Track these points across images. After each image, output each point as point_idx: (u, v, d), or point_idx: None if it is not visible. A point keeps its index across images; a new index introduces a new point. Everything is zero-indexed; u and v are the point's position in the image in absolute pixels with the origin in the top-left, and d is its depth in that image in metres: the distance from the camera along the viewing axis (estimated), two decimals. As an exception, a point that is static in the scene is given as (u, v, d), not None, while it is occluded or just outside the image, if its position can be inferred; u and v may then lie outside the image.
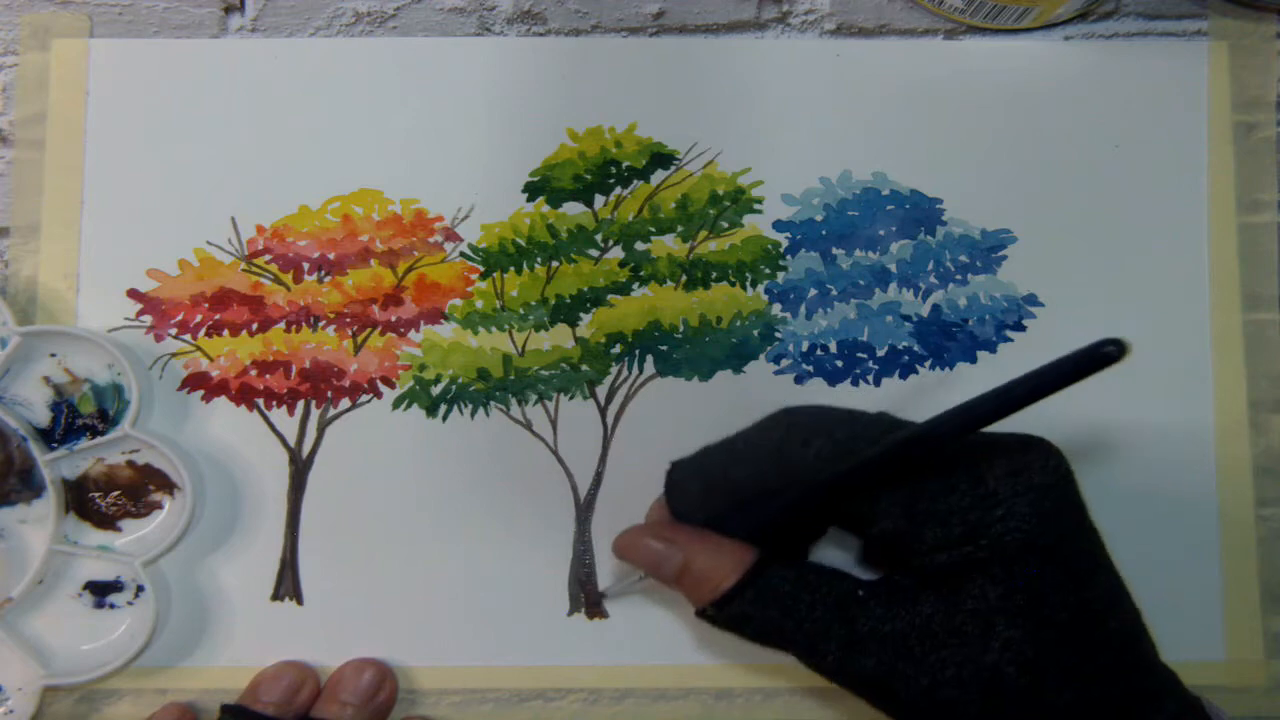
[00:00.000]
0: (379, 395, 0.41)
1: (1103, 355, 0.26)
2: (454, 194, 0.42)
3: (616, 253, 0.42)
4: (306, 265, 0.42)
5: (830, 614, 0.30)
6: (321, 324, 0.41)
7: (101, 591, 0.40)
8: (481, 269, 0.42)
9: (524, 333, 0.41)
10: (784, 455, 0.31)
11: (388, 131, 0.42)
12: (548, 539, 0.40)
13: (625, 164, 0.42)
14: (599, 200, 0.42)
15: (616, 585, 0.39)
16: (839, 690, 0.40)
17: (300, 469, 0.41)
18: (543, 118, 0.42)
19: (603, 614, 0.40)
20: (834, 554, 0.38)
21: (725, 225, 0.42)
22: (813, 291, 0.41)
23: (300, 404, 0.41)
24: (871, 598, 0.30)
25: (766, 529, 0.32)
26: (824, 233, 0.42)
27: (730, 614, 0.32)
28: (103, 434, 0.39)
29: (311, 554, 0.40)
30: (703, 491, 0.33)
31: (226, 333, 0.41)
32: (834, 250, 0.42)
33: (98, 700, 0.40)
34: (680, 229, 0.42)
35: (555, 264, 0.42)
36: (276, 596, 0.40)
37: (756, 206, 0.42)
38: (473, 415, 0.41)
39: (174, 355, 0.41)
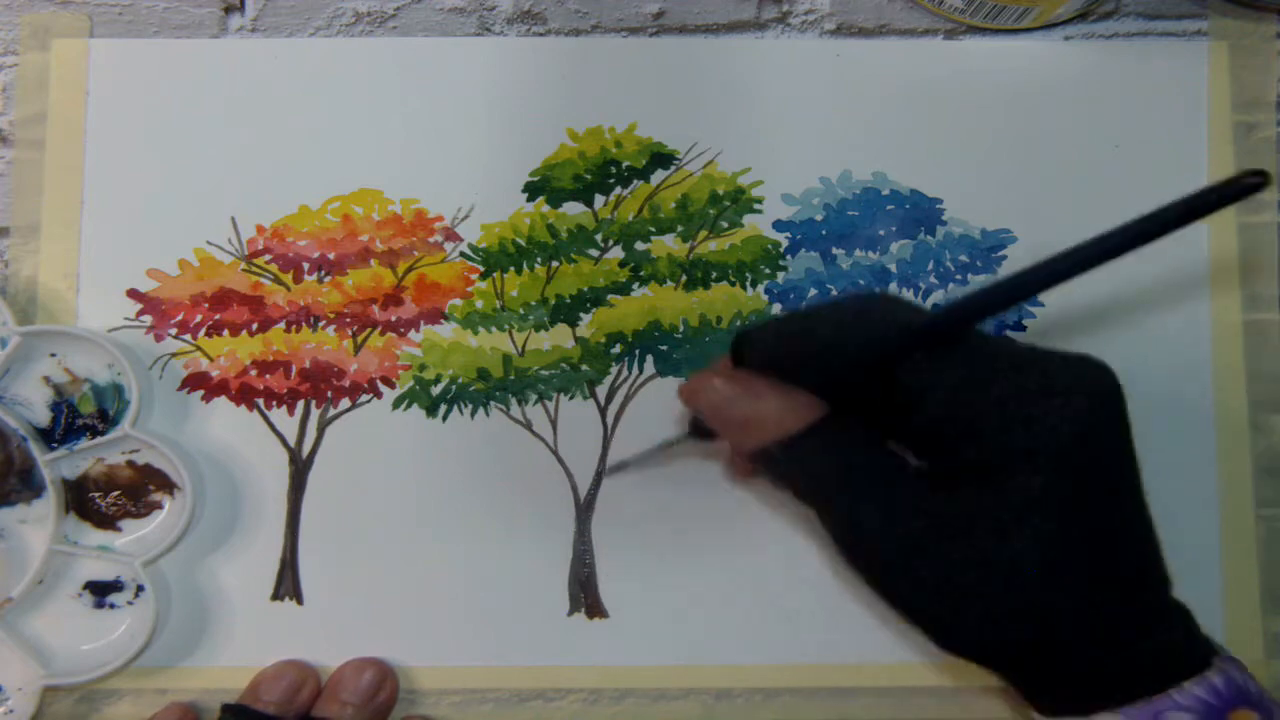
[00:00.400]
0: (379, 395, 0.41)
1: (1248, 185, 0.25)
2: (454, 194, 0.42)
3: (616, 253, 0.42)
4: (306, 265, 0.42)
5: (878, 480, 0.30)
6: (321, 324, 0.41)
7: (101, 591, 0.40)
8: (481, 269, 0.42)
9: (524, 333, 0.41)
10: (867, 320, 0.31)
11: (388, 131, 0.42)
12: (548, 539, 0.40)
13: (625, 164, 0.42)
14: (599, 200, 0.42)
15: (638, 456, 0.39)
16: (839, 691, 0.40)
17: (300, 469, 0.41)
18: (543, 118, 0.42)
19: (603, 614, 0.40)
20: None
21: (725, 225, 0.42)
22: (813, 291, 0.41)
23: (300, 404, 0.41)
24: (918, 474, 0.30)
25: (833, 390, 0.32)
26: (824, 233, 0.42)
27: (792, 457, 0.31)
28: (103, 434, 0.39)
29: (311, 554, 0.40)
30: (772, 351, 0.32)
31: (226, 333, 0.41)
32: (834, 250, 0.42)
33: (98, 700, 0.40)
34: (680, 229, 0.42)
35: (555, 264, 0.42)
36: (276, 596, 0.40)
37: (756, 206, 0.42)
38: (473, 415, 0.41)
39: (174, 355, 0.41)
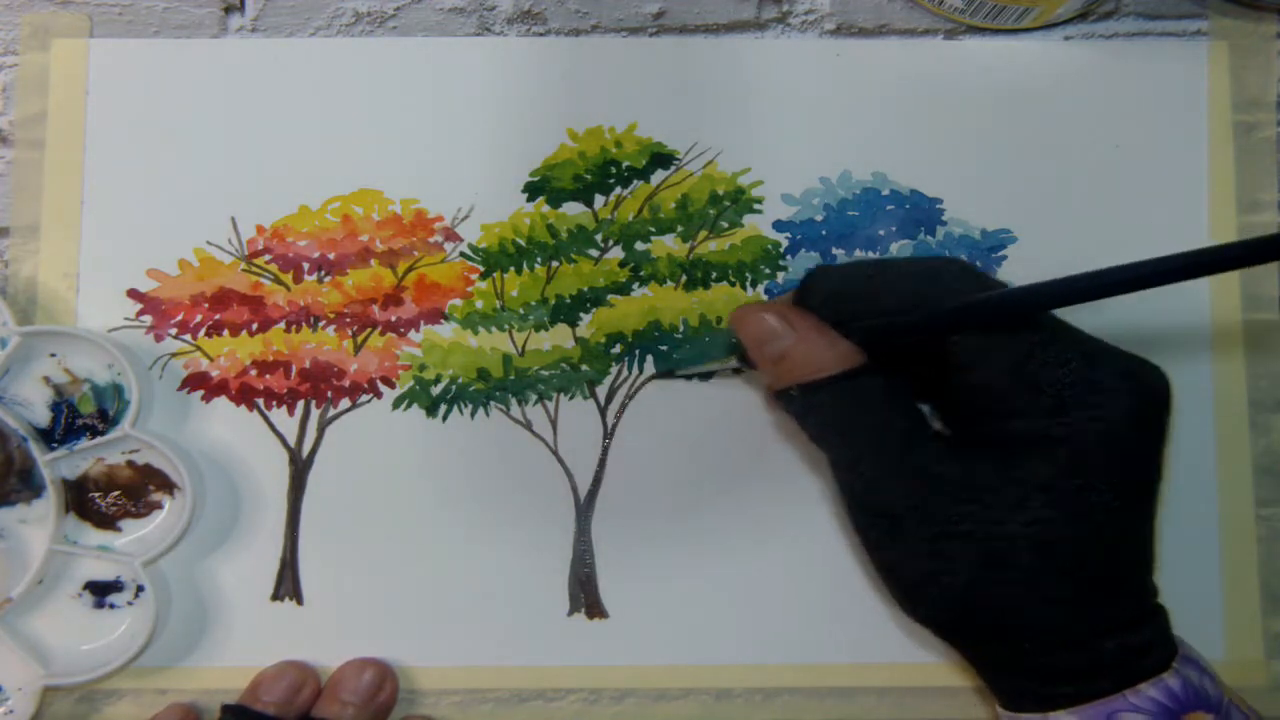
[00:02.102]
0: (379, 395, 0.41)
1: None
2: (454, 194, 0.42)
3: (616, 253, 0.42)
4: (306, 265, 0.42)
5: (894, 436, 0.31)
6: (321, 324, 0.41)
7: (101, 591, 0.40)
8: (481, 269, 0.42)
9: (524, 333, 0.41)
10: (938, 281, 0.31)
11: (388, 131, 0.42)
12: (548, 539, 0.40)
13: (625, 164, 0.42)
14: (599, 200, 0.42)
15: (685, 370, 0.40)
16: (839, 691, 0.40)
17: (300, 469, 0.41)
18: (543, 118, 0.42)
19: (603, 614, 0.40)
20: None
21: (725, 225, 0.42)
22: (813, 291, 0.41)
23: (300, 404, 0.41)
24: (936, 440, 0.31)
25: (882, 344, 0.32)
26: (824, 233, 0.42)
27: (810, 401, 0.32)
28: (103, 434, 0.39)
29: (311, 554, 0.40)
30: (836, 295, 0.33)
31: (226, 333, 0.41)
32: (834, 250, 0.42)
33: (98, 700, 0.40)
34: (680, 229, 0.42)
35: (555, 264, 0.42)
36: (276, 596, 0.40)
37: (756, 206, 0.42)
38: (473, 415, 0.41)
39: (174, 355, 0.41)
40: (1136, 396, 0.29)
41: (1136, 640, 0.29)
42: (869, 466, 0.31)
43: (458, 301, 0.41)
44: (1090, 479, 0.28)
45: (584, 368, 0.41)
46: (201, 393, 0.41)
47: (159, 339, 0.41)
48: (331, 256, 0.42)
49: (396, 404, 0.41)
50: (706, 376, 0.41)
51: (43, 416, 0.40)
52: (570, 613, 0.40)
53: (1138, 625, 0.30)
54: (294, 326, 0.41)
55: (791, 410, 0.33)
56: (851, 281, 0.33)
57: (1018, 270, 0.41)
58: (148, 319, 0.41)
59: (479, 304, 0.41)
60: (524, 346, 0.41)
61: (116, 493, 0.40)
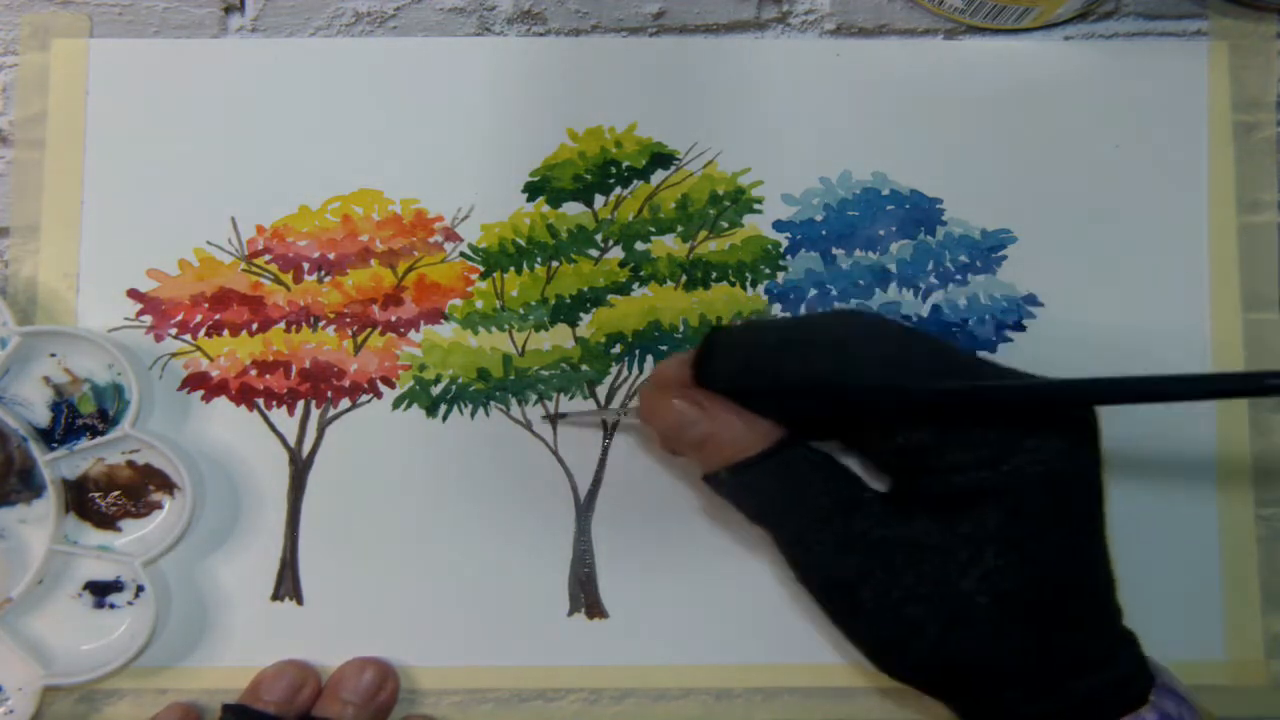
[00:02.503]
0: (379, 395, 0.41)
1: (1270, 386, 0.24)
2: (454, 194, 0.42)
3: (616, 253, 0.42)
4: (306, 265, 0.42)
5: (832, 507, 0.30)
6: (321, 324, 0.41)
7: (101, 591, 0.40)
8: (481, 269, 0.42)
9: (524, 333, 0.41)
10: (846, 352, 0.30)
11: (388, 131, 0.42)
12: (548, 539, 0.40)
13: (625, 164, 0.42)
14: (599, 200, 0.42)
15: (579, 415, 0.40)
16: (840, 690, 0.40)
17: (300, 469, 0.41)
18: (543, 118, 0.42)
19: (603, 614, 0.40)
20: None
21: (725, 225, 0.42)
22: (813, 292, 0.41)
23: (300, 404, 0.41)
24: (875, 502, 0.30)
25: (799, 419, 0.32)
26: (824, 233, 0.42)
27: (741, 481, 0.32)
28: (103, 434, 0.39)
29: (311, 554, 0.40)
30: (742, 364, 0.32)
31: (226, 333, 0.41)
32: (834, 250, 0.42)
33: (98, 700, 0.40)
34: (680, 229, 0.42)
35: (555, 264, 0.42)
36: (276, 596, 0.40)
37: (756, 206, 0.42)
38: (473, 415, 0.41)
39: (174, 355, 0.41)
40: (1069, 432, 0.29)
41: (1110, 677, 0.29)
42: (813, 540, 0.31)
43: (458, 301, 0.41)
44: (1038, 524, 0.28)
45: (584, 368, 0.41)
46: (201, 393, 0.41)
47: (159, 339, 0.41)
48: (331, 256, 0.42)
49: (396, 404, 0.41)
50: (608, 421, 0.40)
51: (43, 416, 0.40)
52: (570, 613, 0.40)
53: (1110, 660, 0.29)
54: (294, 326, 0.41)
55: (723, 493, 0.33)
56: (754, 347, 0.32)
57: (1018, 270, 0.41)
58: (148, 319, 0.41)
59: (479, 304, 0.41)
60: (524, 346, 0.41)
61: (116, 493, 0.40)
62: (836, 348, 0.30)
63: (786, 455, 0.31)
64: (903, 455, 0.30)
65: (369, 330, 0.41)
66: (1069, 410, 0.29)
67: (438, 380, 0.41)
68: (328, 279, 0.41)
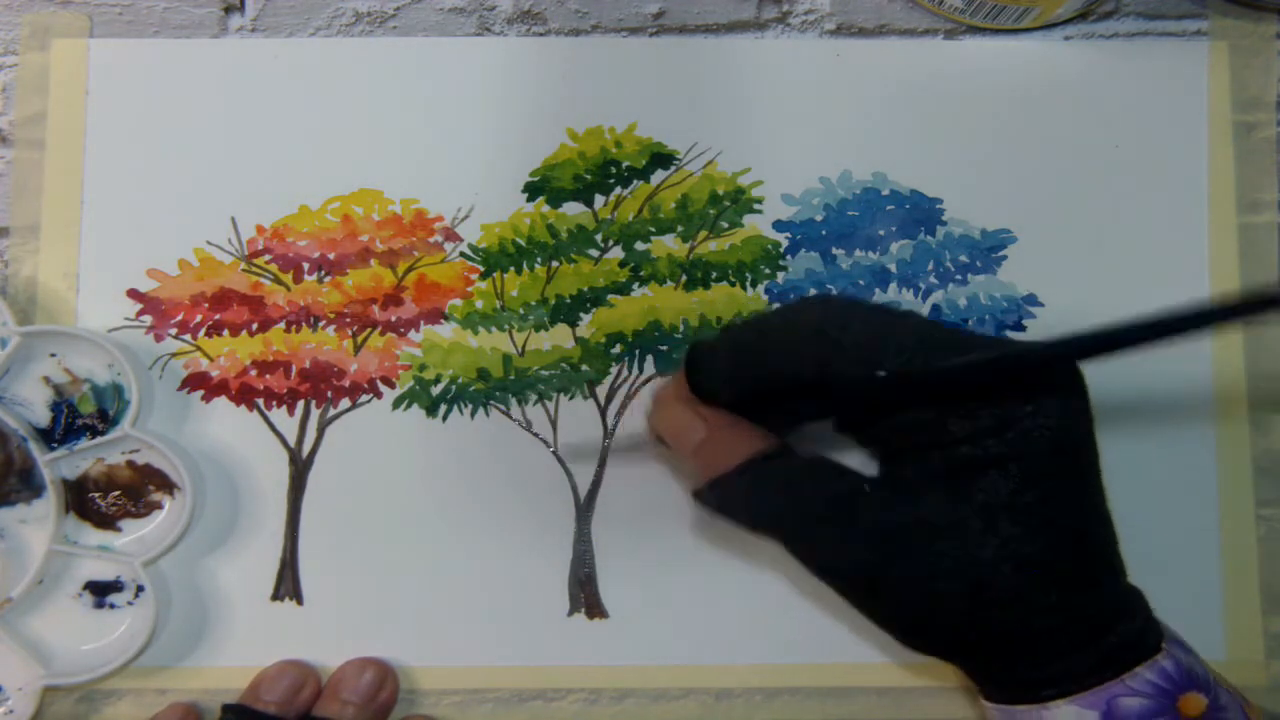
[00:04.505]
0: (379, 395, 0.41)
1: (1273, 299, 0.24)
2: (454, 194, 0.42)
3: (616, 253, 0.42)
4: (306, 265, 0.42)
5: (831, 505, 0.30)
6: (321, 324, 0.41)
7: (101, 591, 0.40)
8: (481, 269, 0.42)
9: (524, 333, 0.41)
10: (821, 338, 0.30)
11: (388, 131, 0.42)
12: (548, 539, 0.40)
13: (625, 164, 0.42)
14: (599, 200, 0.42)
15: (624, 440, 0.40)
16: (840, 690, 0.40)
17: (300, 469, 0.41)
18: (543, 118, 0.42)
19: (603, 614, 0.40)
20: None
21: (725, 225, 0.42)
22: (813, 291, 0.41)
23: (300, 404, 0.41)
24: (876, 490, 0.30)
25: (797, 416, 0.32)
26: (824, 233, 0.42)
27: (721, 496, 0.32)
28: (103, 434, 0.39)
29: (311, 554, 0.40)
30: (730, 371, 0.32)
31: (226, 333, 0.41)
32: (834, 250, 0.42)
33: (98, 700, 0.40)
34: (680, 229, 0.42)
35: (555, 264, 0.42)
36: (276, 596, 0.40)
37: (756, 206, 0.42)
38: (473, 415, 0.41)
39: (174, 355, 0.41)
40: (1064, 395, 0.29)
41: (1129, 629, 0.29)
42: (824, 538, 0.31)
43: (458, 301, 0.41)
44: (1048, 486, 0.29)
45: (584, 368, 0.41)
46: (201, 393, 0.41)
47: (159, 339, 0.41)
48: (331, 256, 0.42)
49: (396, 404, 0.41)
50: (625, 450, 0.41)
51: (43, 416, 0.40)
52: (570, 613, 0.40)
53: (1127, 612, 0.30)
54: (294, 326, 0.41)
55: (710, 509, 0.33)
56: (736, 351, 0.32)
57: (1018, 270, 0.41)
58: (148, 319, 0.41)
59: (479, 304, 0.41)
60: (524, 346, 0.41)
61: (116, 493, 0.40)
62: (817, 336, 0.30)
63: (768, 463, 0.31)
64: (905, 432, 0.30)
65: (369, 330, 0.41)
66: (1060, 367, 0.29)
67: (438, 380, 0.41)
68: (328, 279, 0.41)
